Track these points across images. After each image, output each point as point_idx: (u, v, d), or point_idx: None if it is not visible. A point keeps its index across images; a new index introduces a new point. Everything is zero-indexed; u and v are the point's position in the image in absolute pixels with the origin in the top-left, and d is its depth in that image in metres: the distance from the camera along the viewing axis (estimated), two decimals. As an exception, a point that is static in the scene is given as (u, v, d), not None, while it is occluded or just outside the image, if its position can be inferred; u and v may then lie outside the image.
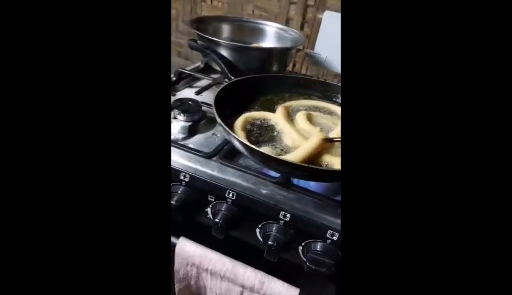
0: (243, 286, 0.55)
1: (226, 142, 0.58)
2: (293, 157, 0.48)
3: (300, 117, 0.59)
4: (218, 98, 0.53)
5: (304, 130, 0.57)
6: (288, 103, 0.65)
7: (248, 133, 0.55)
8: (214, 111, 0.49)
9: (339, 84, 0.71)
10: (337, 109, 0.66)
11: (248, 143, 0.44)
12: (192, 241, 0.57)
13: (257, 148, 0.44)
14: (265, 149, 0.50)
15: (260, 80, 0.66)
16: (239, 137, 0.45)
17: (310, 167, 0.42)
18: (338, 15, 0.93)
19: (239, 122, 0.56)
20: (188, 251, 0.57)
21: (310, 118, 0.61)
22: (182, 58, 1.50)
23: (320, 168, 0.46)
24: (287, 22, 1.15)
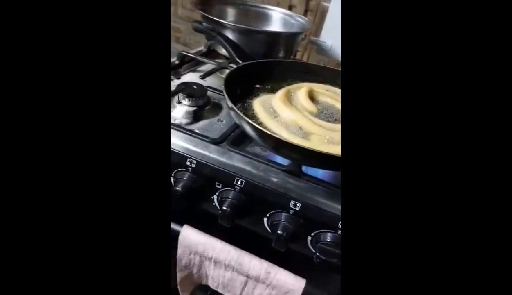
0: (248, 276, 0.54)
1: (234, 128, 0.56)
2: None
3: (302, 94, 0.58)
4: (227, 82, 0.50)
5: (304, 107, 0.56)
6: (290, 87, 0.62)
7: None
8: (225, 94, 0.47)
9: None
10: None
11: (260, 127, 0.42)
12: (196, 229, 0.56)
13: (270, 132, 0.42)
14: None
15: (268, 65, 0.63)
16: (250, 121, 0.43)
17: (329, 154, 0.40)
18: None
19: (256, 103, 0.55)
20: (191, 239, 0.55)
21: (312, 96, 0.60)
22: (181, 44, 1.46)
23: (336, 155, 0.43)
24: (289, 9, 1.12)
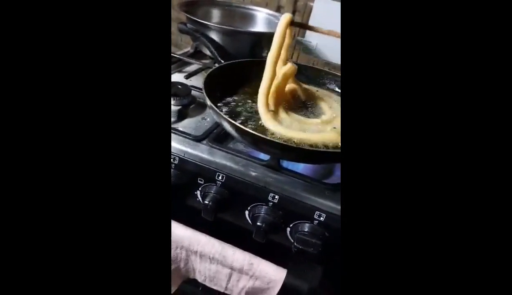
0: (231, 268, 0.56)
1: (216, 126, 0.58)
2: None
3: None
4: (207, 81, 0.52)
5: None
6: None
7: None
8: (204, 93, 0.49)
9: (329, 71, 0.72)
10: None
11: (237, 124, 0.45)
12: (182, 224, 0.57)
13: (246, 128, 0.44)
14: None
15: (250, 64, 0.65)
16: (227, 118, 0.45)
17: (301, 148, 0.42)
18: (329, 2, 0.93)
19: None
20: (177, 234, 0.57)
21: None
22: (172, 45, 1.48)
23: (312, 149, 0.46)
24: (277, 10, 1.14)
